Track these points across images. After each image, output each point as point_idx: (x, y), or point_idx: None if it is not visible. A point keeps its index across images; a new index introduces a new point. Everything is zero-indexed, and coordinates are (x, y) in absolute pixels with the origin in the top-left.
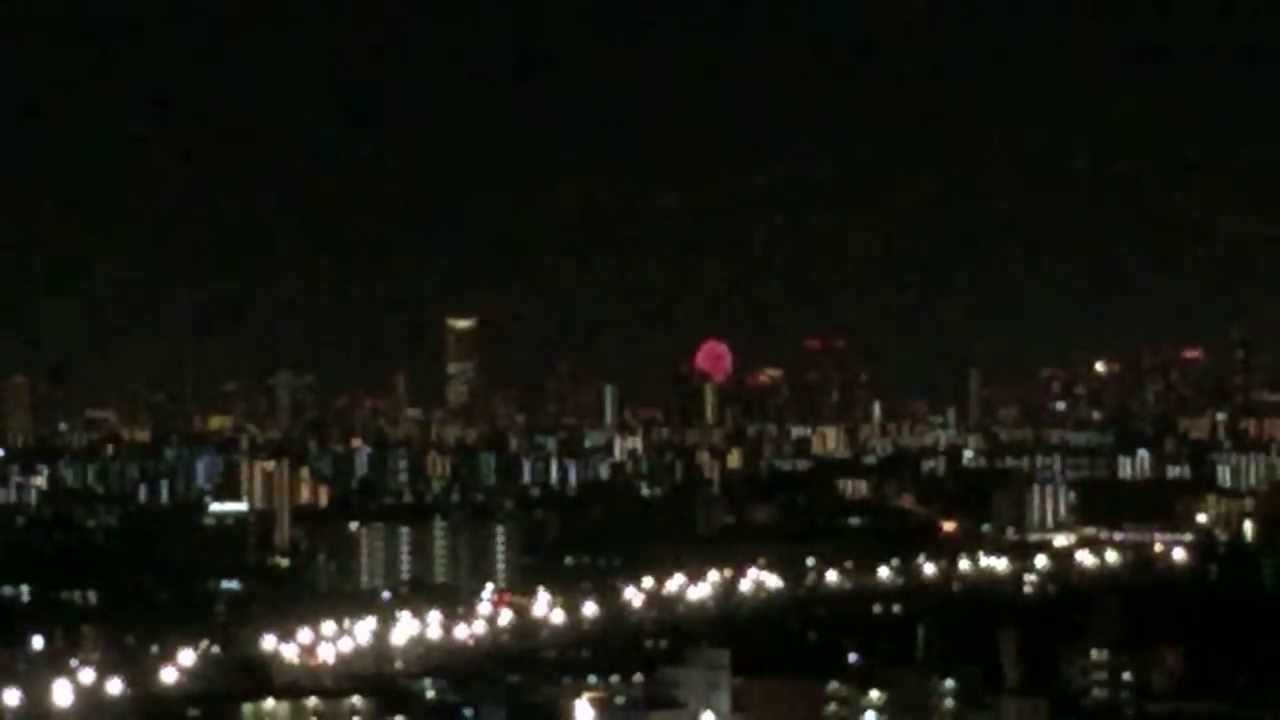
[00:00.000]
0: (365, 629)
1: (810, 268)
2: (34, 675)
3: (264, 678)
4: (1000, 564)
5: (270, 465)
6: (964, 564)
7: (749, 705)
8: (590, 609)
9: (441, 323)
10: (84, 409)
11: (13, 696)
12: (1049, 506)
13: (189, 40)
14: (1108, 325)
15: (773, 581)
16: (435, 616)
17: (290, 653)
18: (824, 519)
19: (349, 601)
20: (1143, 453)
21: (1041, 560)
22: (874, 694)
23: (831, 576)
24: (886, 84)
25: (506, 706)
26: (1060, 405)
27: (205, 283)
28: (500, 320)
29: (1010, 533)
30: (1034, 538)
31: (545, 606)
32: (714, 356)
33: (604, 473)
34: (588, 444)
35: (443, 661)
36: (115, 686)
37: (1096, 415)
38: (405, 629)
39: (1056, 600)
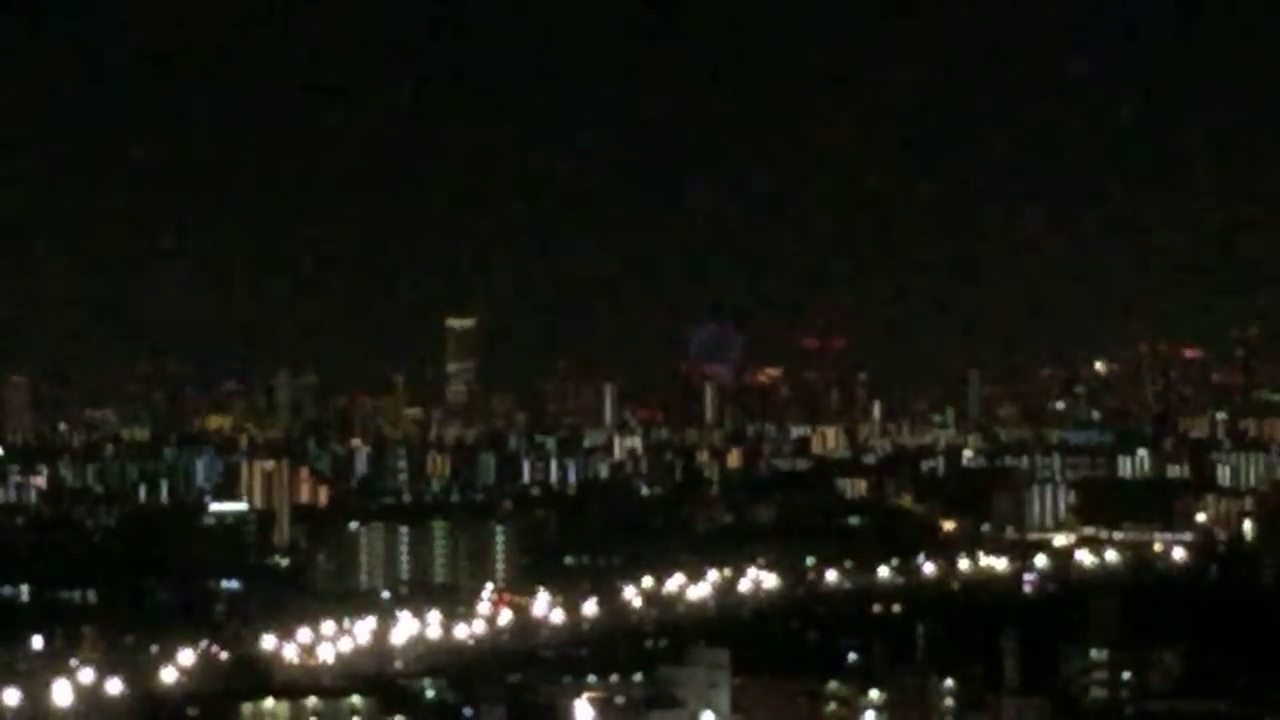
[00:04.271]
0: (365, 629)
1: (810, 267)
2: (34, 675)
3: (263, 677)
4: (1000, 563)
5: (270, 465)
6: (964, 563)
7: (748, 705)
8: (590, 608)
9: (441, 323)
10: (84, 409)
11: (12, 696)
12: (1048, 506)
13: (190, 40)
14: (1108, 325)
15: (772, 581)
16: (435, 616)
17: (290, 652)
18: (823, 518)
19: (349, 601)
20: (1142, 452)
21: (1041, 559)
22: (874, 694)
23: (831, 576)
24: (886, 84)
25: (506, 706)
26: (1060, 405)
27: (205, 282)
28: (500, 320)
29: (1010, 532)
30: (1033, 537)
31: (545, 606)
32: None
33: (603, 472)
34: (587, 443)
35: (442, 661)
36: (115, 686)
37: (1096, 415)
38: (405, 629)
39: (1056, 599)
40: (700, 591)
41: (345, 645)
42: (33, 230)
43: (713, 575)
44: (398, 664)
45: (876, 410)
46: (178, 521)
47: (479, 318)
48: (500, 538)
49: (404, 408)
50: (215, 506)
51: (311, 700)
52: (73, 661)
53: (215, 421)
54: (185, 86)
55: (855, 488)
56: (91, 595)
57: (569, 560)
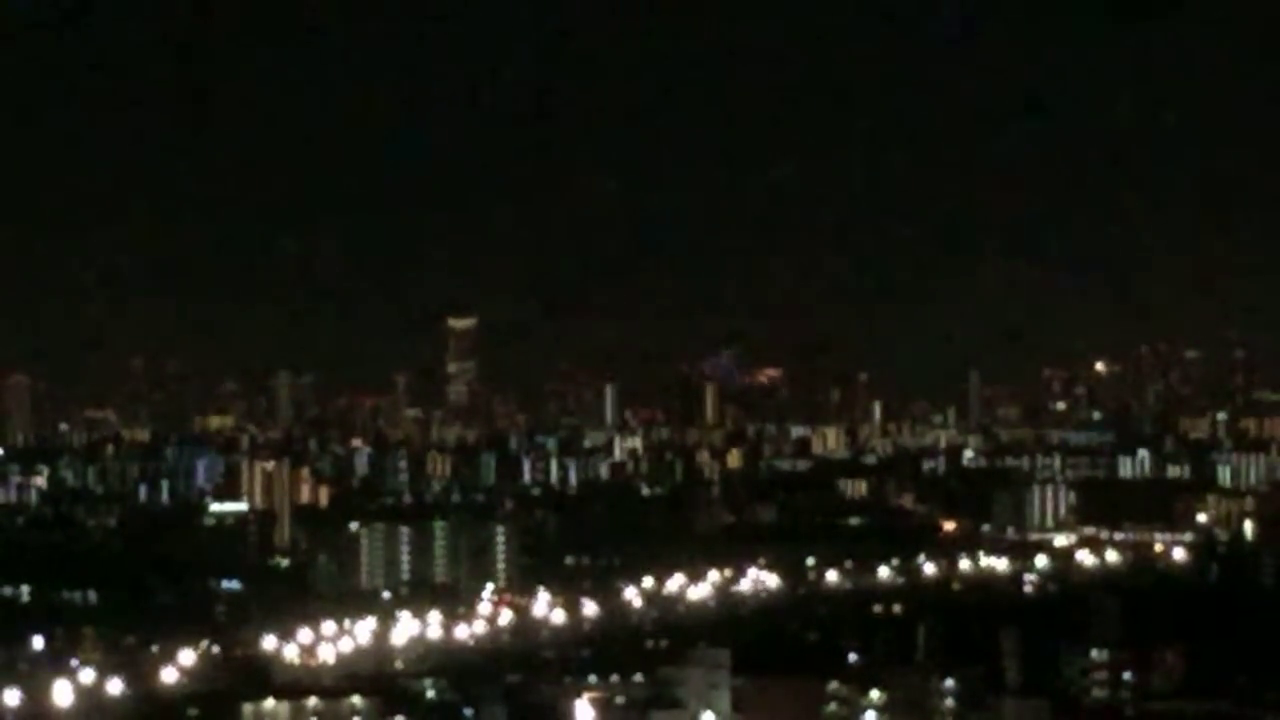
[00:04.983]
0: (365, 629)
1: (811, 268)
2: (34, 675)
3: (264, 678)
4: (1000, 564)
5: (270, 465)
6: (964, 564)
7: (749, 705)
8: (590, 609)
9: (441, 323)
10: (84, 409)
11: (13, 696)
12: (1049, 506)
13: (191, 42)
14: (1108, 325)
15: (773, 581)
16: (435, 616)
17: (290, 653)
18: (824, 519)
19: (349, 601)
20: (1143, 452)
21: (1042, 560)
22: (874, 694)
23: (831, 576)
24: (886, 85)
25: (506, 706)
26: (1060, 405)
27: (205, 282)
28: (500, 320)
29: (1010, 532)
30: (1034, 537)
31: (545, 606)
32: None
33: (604, 473)
34: (588, 444)
35: (443, 661)
36: (115, 686)
37: (1096, 415)
38: (405, 629)
39: (1056, 600)
40: (700, 592)
41: (346, 645)
42: (34, 230)
43: (713, 575)
44: (398, 664)
45: (877, 410)
46: (178, 521)
47: (479, 318)
48: (501, 538)
49: (404, 408)
50: (216, 507)
51: (312, 700)
52: (73, 661)
53: (215, 421)
54: (186, 88)
55: (855, 488)
56: (92, 595)
57: (569, 560)
